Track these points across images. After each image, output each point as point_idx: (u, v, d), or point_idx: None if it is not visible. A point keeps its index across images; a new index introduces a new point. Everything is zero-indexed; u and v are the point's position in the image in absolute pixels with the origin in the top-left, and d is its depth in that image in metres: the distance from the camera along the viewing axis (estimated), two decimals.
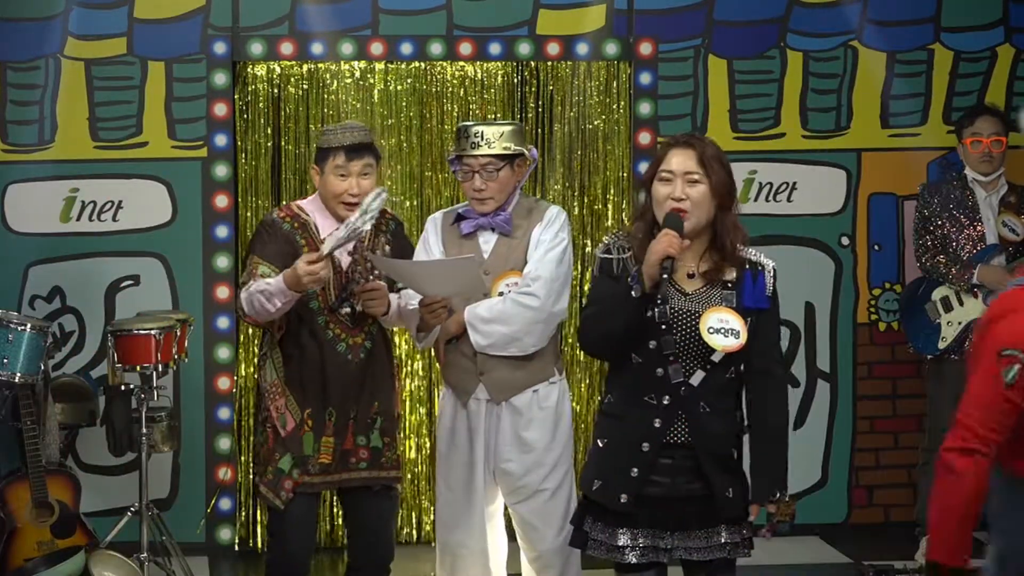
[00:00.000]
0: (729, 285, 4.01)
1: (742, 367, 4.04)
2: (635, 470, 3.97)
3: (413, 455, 6.82)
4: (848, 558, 6.55)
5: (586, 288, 6.90)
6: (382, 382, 4.96)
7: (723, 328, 3.92)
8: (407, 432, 6.78)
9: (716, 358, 3.95)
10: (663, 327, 3.95)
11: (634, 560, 3.99)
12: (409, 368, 6.82)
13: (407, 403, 6.79)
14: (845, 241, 6.97)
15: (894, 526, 6.92)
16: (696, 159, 3.99)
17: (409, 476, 6.79)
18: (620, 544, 3.99)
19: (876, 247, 6.98)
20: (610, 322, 3.95)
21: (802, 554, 6.48)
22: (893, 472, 6.99)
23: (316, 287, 4.67)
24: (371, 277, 4.76)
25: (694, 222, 3.98)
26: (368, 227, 4.59)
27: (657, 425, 3.97)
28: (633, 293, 3.89)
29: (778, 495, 4.02)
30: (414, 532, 6.87)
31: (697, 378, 3.96)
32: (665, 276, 3.88)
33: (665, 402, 3.97)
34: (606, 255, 4.06)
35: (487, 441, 4.91)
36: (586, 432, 6.91)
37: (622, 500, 3.97)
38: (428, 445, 6.76)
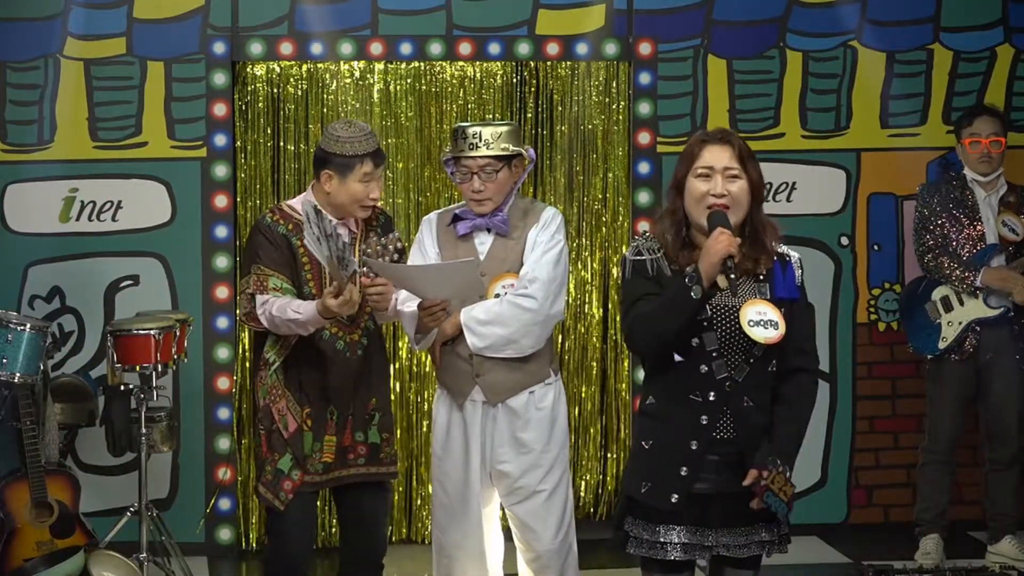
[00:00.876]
0: (761, 277, 4.02)
1: (780, 360, 4.05)
2: (684, 469, 3.96)
3: (413, 453, 6.83)
4: (847, 558, 6.55)
5: (585, 288, 6.92)
6: (378, 378, 4.98)
7: (762, 320, 3.92)
8: (409, 431, 6.79)
9: (759, 351, 3.95)
10: (704, 323, 3.96)
11: (676, 557, 3.99)
12: (409, 366, 6.83)
13: (410, 403, 6.81)
14: (844, 241, 6.96)
15: (893, 526, 6.92)
16: (735, 155, 3.98)
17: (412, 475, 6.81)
18: (663, 541, 3.99)
19: (875, 247, 6.98)
20: (667, 322, 3.92)
21: (802, 554, 6.46)
22: (893, 472, 6.99)
23: (353, 311, 4.69)
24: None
25: (734, 219, 3.97)
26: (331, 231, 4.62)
27: (704, 422, 3.96)
28: (693, 294, 3.88)
29: (779, 464, 3.95)
30: (411, 531, 6.88)
31: (741, 373, 3.97)
32: (732, 276, 3.89)
33: (711, 398, 3.96)
34: (638, 257, 4.04)
35: (483, 443, 4.91)
36: (583, 432, 6.93)
37: (673, 500, 3.96)
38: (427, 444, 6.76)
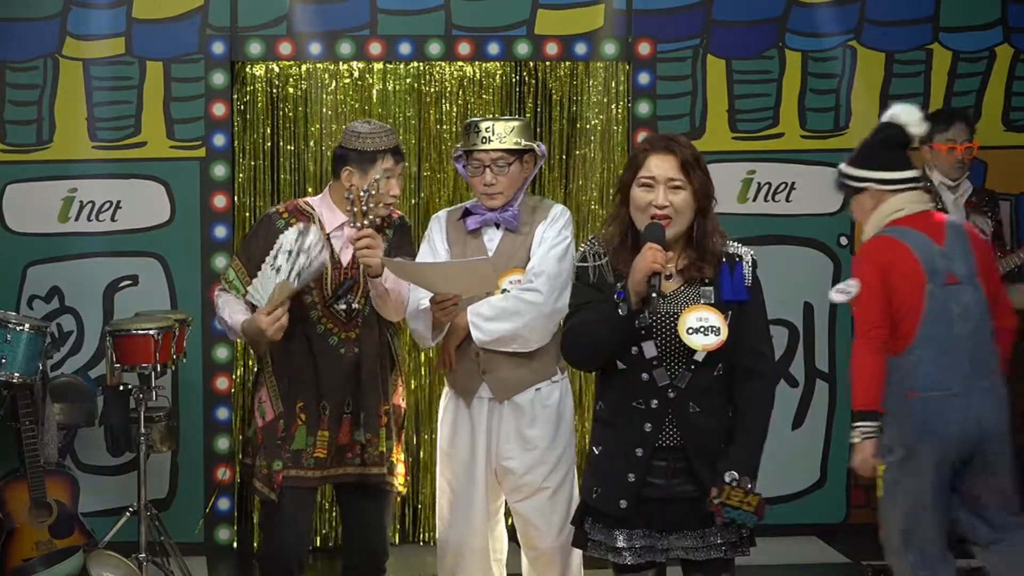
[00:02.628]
0: (707, 281, 3.97)
1: (729, 363, 4.00)
2: (632, 475, 3.96)
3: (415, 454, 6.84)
4: (846, 558, 6.55)
5: None
6: (373, 379, 4.91)
7: (703, 327, 3.88)
8: (413, 431, 6.81)
9: (699, 358, 3.93)
10: (643, 332, 3.93)
11: (631, 561, 3.98)
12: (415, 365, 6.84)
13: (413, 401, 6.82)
14: (844, 241, 6.97)
15: None
16: (678, 165, 3.94)
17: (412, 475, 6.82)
18: (618, 545, 3.98)
19: None
20: (597, 337, 3.92)
21: (801, 554, 6.48)
22: None
23: (279, 335, 4.72)
24: (373, 215, 4.75)
25: (676, 230, 3.94)
26: (320, 261, 4.71)
27: (648, 429, 3.95)
28: (620, 311, 3.85)
29: (733, 479, 3.89)
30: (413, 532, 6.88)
31: (683, 380, 3.94)
32: (655, 294, 3.84)
33: (653, 406, 3.94)
34: (582, 263, 4.04)
35: (489, 439, 4.91)
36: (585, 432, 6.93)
37: (622, 506, 3.96)
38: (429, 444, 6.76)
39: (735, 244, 4.04)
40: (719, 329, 3.88)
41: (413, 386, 6.83)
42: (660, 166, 3.94)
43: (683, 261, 3.99)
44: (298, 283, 4.69)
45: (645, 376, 3.94)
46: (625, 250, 3.97)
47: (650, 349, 3.92)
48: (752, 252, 4.04)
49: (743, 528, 3.99)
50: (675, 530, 3.99)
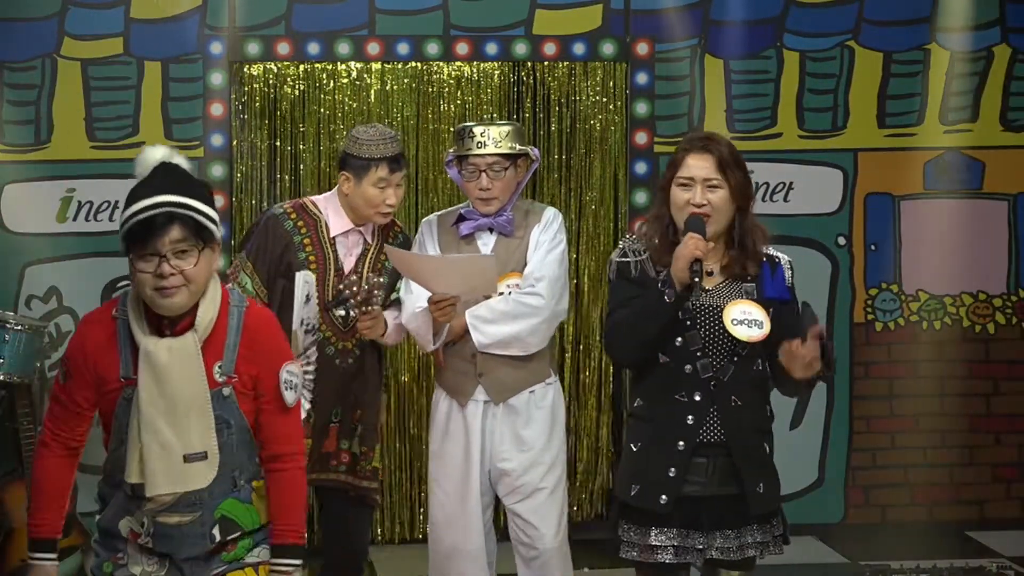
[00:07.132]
0: (749, 278, 4.04)
1: (768, 361, 4.06)
2: (672, 470, 3.97)
3: (407, 454, 6.84)
4: (845, 558, 6.56)
5: (582, 288, 6.91)
6: (368, 391, 4.90)
7: (747, 319, 3.94)
8: (402, 431, 6.80)
9: (743, 350, 3.97)
10: (688, 323, 3.97)
11: (668, 560, 4.00)
12: (405, 365, 6.83)
13: (405, 401, 6.81)
14: (842, 241, 6.97)
15: (891, 526, 6.93)
16: (715, 164, 4.01)
17: (405, 475, 6.82)
18: (654, 544, 3.99)
19: (872, 247, 6.99)
20: (645, 329, 3.96)
21: (799, 554, 6.46)
22: (890, 472, 6.99)
23: None
24: (372, 305, 4.74)
25: (715, 227, 4.01)
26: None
27: (690, 422, 3.98)
28: (666, 298, 3.91)
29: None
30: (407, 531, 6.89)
31: (726, 372, 3.98)
32: (697, 280, 3.91)
33: (696, 398, 3.98)
34: (623, 259, 4.08)
35: (483, 441, 4.91)
36: (584, 433, 6.93)
37: (662, 501, 3.97)
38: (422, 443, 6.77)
39: (772, 249, 4.11)
40: (762, 323, 3.94)
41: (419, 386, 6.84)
42: (697, 166, 4.02)
43: (725, 259, 4.05)
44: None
45: (688, 368, 3.98)
46: (666, 247, 4.03)
47: (694, 340, 3.97)
48: (788, 257, 4.13)
49: (776, 525, 4.08)
50: (713, 529, 4.01)
